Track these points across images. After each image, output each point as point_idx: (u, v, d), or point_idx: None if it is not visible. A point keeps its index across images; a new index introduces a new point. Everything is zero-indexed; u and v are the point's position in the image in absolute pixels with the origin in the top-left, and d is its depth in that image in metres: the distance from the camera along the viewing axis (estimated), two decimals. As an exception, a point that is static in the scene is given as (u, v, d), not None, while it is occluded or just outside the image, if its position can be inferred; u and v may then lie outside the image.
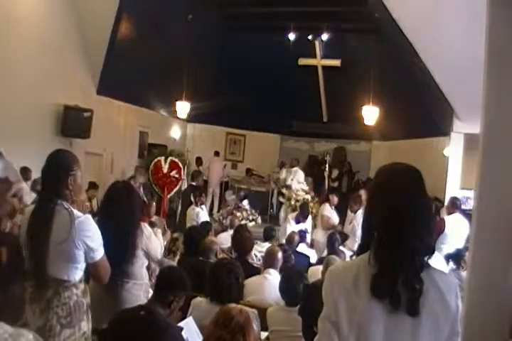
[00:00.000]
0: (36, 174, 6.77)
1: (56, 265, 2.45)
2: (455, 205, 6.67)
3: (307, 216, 8.13)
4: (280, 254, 4.48)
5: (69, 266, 2.47)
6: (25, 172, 7.22)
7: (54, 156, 2.61)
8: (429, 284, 1.54)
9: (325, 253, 6.29)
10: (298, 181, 10.38)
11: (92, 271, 2.60)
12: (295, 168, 10.77)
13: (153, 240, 3.40)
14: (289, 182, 10.37)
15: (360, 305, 1.54)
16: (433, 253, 1.61)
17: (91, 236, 2.50)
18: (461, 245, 6.03)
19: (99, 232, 2.56)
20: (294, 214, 8.28)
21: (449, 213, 6.67)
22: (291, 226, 7.75)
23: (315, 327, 1.68)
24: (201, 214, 7.96)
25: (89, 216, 2.59)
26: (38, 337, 1.49)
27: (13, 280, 2.31)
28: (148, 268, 3.61)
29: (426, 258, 1.58)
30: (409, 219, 1.56)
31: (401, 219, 1.56)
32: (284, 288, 3.62)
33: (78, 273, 2.52)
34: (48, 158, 2.60)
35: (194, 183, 9.23)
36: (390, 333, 1.53)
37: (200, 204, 8.15)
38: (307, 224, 8.05)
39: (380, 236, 1.58)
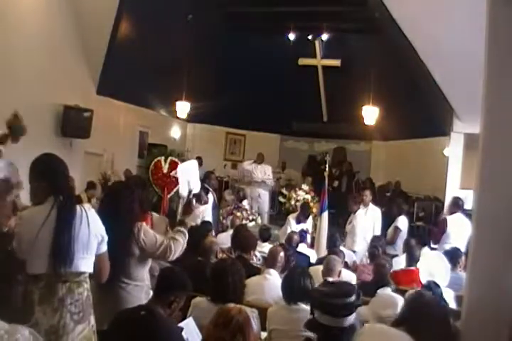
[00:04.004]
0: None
1: (76, 257, 2.51)
2: (457, 205, 6.67)
3: (308, 216, 8.13)
4: (282, 255, 4.49)
5: (86, 257, 2.56)
6: None
7: (54, 160, 2.71)
8: None
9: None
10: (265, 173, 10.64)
11: (97, 263, 2.64)
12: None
13: (148, 233, 3.29)
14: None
15: None
16: None
17: (102, 227, 2.64)
18: (464, 245, 6.03)
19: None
20: (295, 214, 8.27)
21: (451, 213, 6.67)
22: (292, 227, 7.75)
23: None
24: (205, 213, 7.88)
25: (92, 209, 2.71)
26: (35, 332, 1.49)
27: (16, 282, 2.33)
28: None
29: None
30: None
31: None
32: (285, 285, 3.63)
33: (91, 265, 2.60)
34: (50, 162, 2.68)
35: (206, 185, 8.85)
36: None
37: (204, 203, 8.09)
38: (308, 224, 8.04)
39: None
